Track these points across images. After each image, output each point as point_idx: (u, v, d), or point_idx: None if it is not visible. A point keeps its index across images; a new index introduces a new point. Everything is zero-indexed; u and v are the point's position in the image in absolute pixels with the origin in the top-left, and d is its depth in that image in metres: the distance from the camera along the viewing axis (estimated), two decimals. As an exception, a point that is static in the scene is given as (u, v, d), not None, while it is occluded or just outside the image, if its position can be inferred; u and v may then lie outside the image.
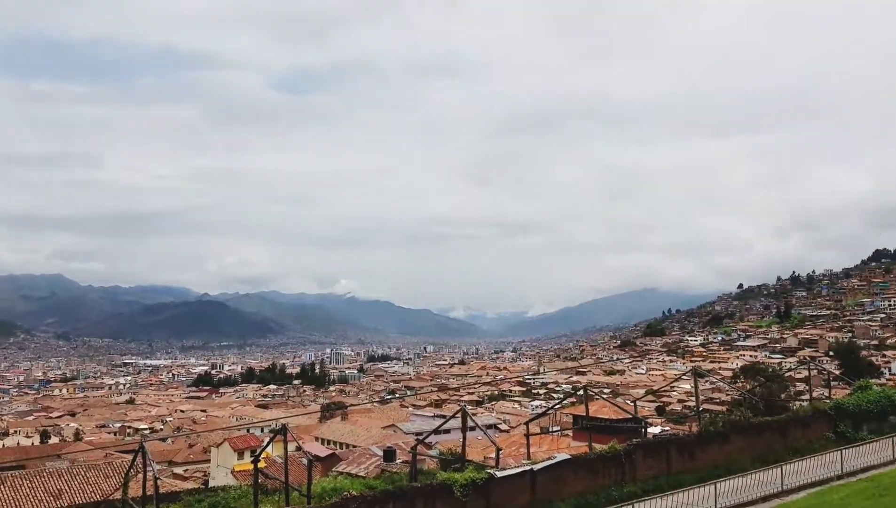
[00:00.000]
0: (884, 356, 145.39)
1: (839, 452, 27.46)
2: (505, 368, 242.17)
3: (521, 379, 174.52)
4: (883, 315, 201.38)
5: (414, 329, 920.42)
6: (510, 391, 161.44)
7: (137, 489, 21.76)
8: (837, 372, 67.51)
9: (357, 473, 37.93)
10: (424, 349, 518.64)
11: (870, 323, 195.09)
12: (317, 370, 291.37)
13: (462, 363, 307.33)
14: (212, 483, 48.16)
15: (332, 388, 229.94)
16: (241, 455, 52.01)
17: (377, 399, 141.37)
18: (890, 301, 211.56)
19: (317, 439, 67.17)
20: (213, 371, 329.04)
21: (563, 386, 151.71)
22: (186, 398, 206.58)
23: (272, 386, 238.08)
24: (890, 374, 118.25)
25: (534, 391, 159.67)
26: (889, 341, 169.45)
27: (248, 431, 75.62)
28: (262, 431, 78.93)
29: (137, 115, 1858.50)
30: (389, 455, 42.38)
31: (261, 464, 24.34)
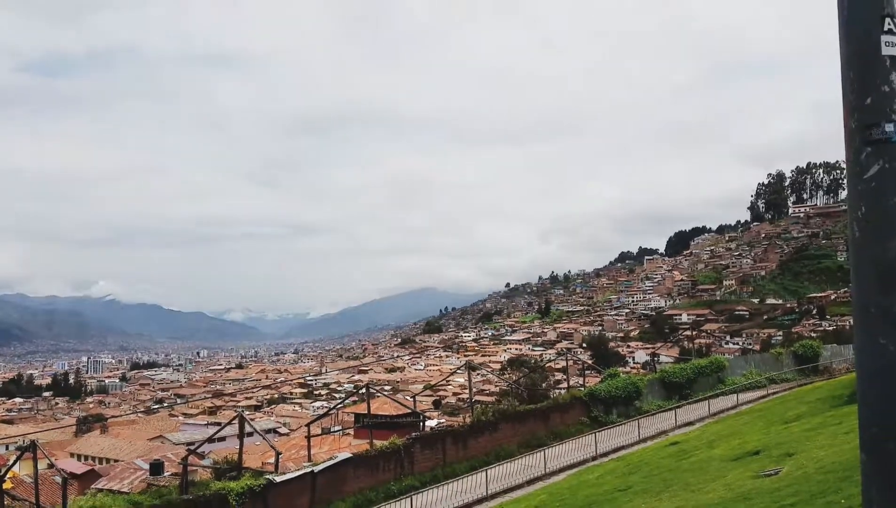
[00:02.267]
0: (629, 346, 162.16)
1: (593, 435, 30.11)
2: (286, 370, 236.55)
3: (302, 381, 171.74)
4: (627, 310, 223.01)
5: (186, 334, 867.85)
6: (291, 393, 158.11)
7: None
8: (590, 362, 74.90)
9: (120, 489, 35.01)
10: (197, 354, 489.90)
11: (616, 317, 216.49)
12: (71, 381, 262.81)
13: (240, 366, 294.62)
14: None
15: (89, 399, 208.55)
16: (-22, 478, 45.50)
17: (142, 410, 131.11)
18: (633, 298, 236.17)
19: (72, 455, 60.99)
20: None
21: (346, 386, 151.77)
22: None
23: (18, 399, 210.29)
24: (634, 363, 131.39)
25: (315, 393, 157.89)
26: (633, 333, 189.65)
27: (-13, 451, 66.28)
28: (6, 448, 69.85)
29: None
30: (157, 467, 39.56)
31: (7, 485, 21.63)
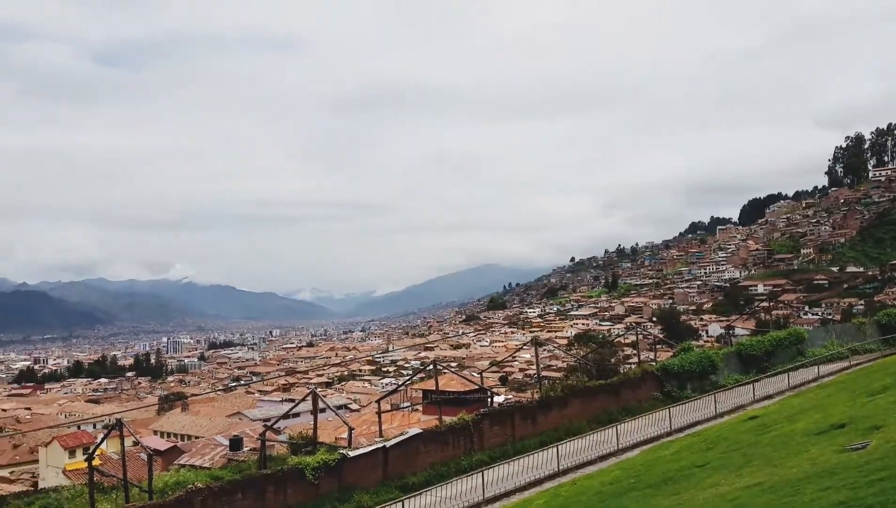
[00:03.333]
0: (701, 320, 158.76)
1: (667, 410, 29.45)
2: (354, 348, 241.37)
3: (370, 358, 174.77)
4: (699, 282, 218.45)
5: (258, 313, 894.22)
6: (360, 370, 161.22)
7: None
8: (661, 336, 73.53)
9: (201, 464, 36.41)
10: (270, 333, 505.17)
11: (688, 290, 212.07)
12: (152, 361, 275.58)
13: (310, 345, 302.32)
14: (42, 485, 44.53)
15: (170, 379, 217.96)
16: (72, 453, 48.28)
17: (220, 388, 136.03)
18: (705, 269, 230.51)
19: (156, 432, 63.75)
20: (37, 366, 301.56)
21: (413, 363, 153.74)
22: (7, 395, 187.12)
23: (103, 380, 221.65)
24: (707, 336, 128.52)
25: (384, 370, 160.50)
26: (705, 306, 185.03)
27: (79, 428, 70.01)
28: (94, 427, 73.79)
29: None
30: (236, 443, 40.86)
31: (95, 462, 22.75)
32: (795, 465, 12.03)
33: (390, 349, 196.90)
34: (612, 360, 45.41)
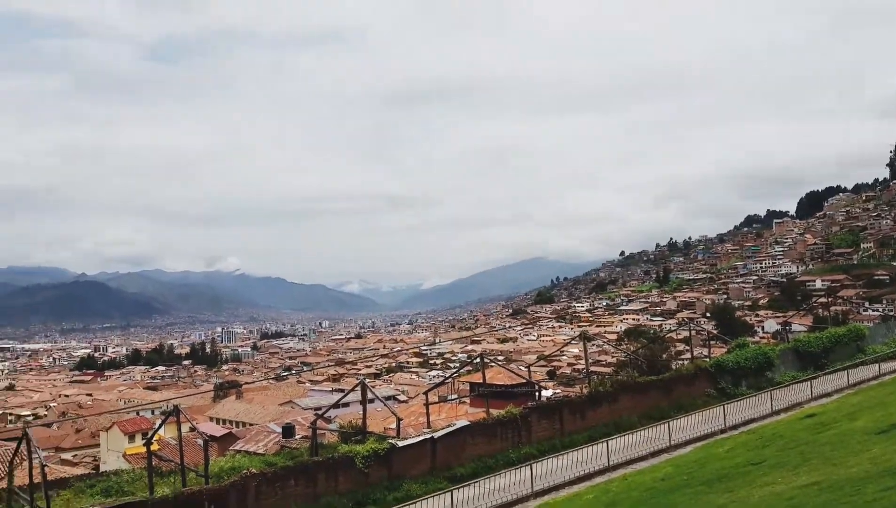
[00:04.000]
0: (757, 315, 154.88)
1: (721, 407, 28.90)
2: (402, 340, 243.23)
3: (417, 350, 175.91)
4: (755, 277, 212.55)
5: (308, 305, 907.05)
6: (407, 362, 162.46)
7: (23, 477, 20.52)
8: (715, 332, 72.07)
9: (255, 451, 37.24)
10: (320, 324, 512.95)
11: (743, 285, 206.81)
12: (208, 350, 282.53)
13: (359, 336, 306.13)
14: (103, 468, 46.06)
15: (224, 367, 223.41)
16: (132, 438, 49.82)
17: (273, 376, 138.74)
18: (761, 264, 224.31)
19: (211, 419, 65.44)
20: (97, 354, 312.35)
21: (459, 355, 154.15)
22: (70, 382, 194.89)
23: (160, 368, 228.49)
24: (763, 332, 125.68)
25: (431, 362, 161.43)
26: (761, 301, 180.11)
27: (137, 414, 72.36)
28: (152, 413, 76.11)
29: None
30: (288, 431, 41.77)
31: (154, 446, 23.48)
32: (855, 464, 11.72)
33: (437, 341, 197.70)
34: (664, 356, 44.60)
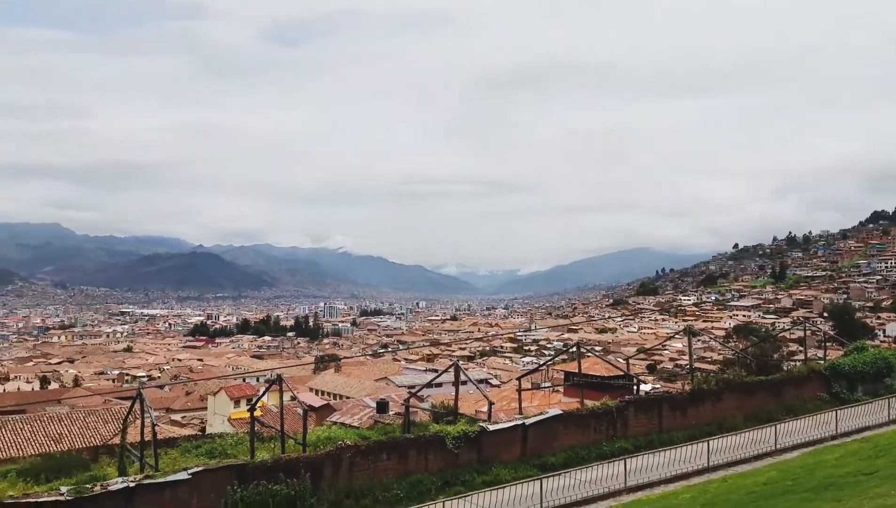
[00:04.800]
0: (878, 318, 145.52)
1: (834, 412, 27.34)
2: (497, 324, 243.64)
3: (512, 336, 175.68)
4: (879, 277, 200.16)
5: (407, 285, 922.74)
6: (501, 347, 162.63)
7: (136, 434, 21.85)
8: (832, 333, 67.84)
9: (351, 423, 38.10)
10: (417, 304, 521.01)
11: (866, 285, 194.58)
12: (311, 323, 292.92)
13: (454, 318, 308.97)
14: (209, 430, 48.54)
15: (325, 341, 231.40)
16: (237, 403, 52.28)
17: (370, 353, 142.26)
18: (887, 263, 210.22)
19: (311, 389, 67.53)
20: (209, 322, 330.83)
21: (555, 343, 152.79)
22: (183, 347, 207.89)
23: (267, 338, 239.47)
24: (884, 336, 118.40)
25: (525, 348, 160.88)
26: (885, 303, 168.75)
27: (244, 380, 75.95)
28: (257, 381, 79.42)
29: (123, 64, 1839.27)
30: (382, 406, 42.48)
31: (257, 413, 24.42)
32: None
33: (533, 328, 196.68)
34: (775, 355, 42.35)
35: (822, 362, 36.04)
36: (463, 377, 27.96)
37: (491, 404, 27.41)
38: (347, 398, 58.62)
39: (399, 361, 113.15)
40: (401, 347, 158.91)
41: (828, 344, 45.73)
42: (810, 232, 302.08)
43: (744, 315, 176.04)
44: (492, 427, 24.82)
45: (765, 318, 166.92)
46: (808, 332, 48.52)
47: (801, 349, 55.20)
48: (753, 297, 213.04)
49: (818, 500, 13.47)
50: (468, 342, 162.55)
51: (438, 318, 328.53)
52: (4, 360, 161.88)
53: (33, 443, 33.57)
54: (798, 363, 39.17)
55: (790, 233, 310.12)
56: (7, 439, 33.71)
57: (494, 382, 77.63)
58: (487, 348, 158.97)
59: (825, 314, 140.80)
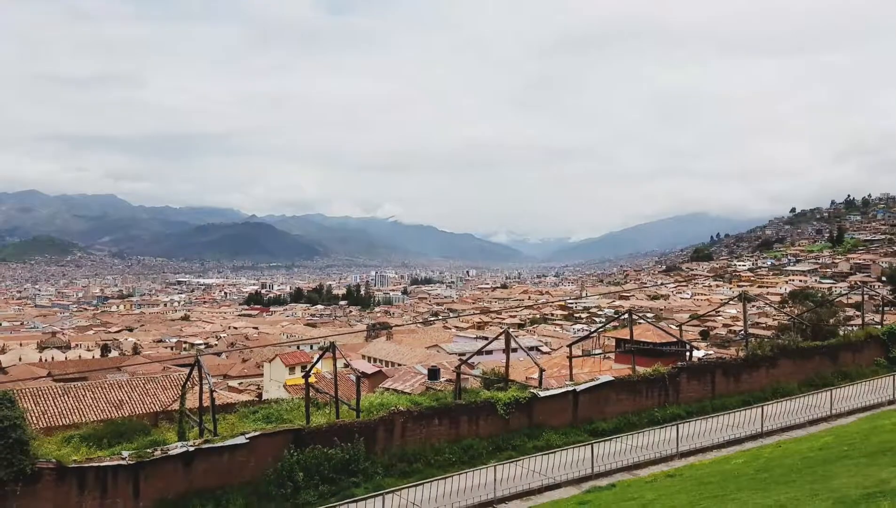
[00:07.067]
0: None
1: (892, 378, 26.83)
2: (547, 292, 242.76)
3: (563, 303, 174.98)
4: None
5: (457, 253, 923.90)
6: (552, 314, 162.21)
7: (194, 400, 22.60)
8: (891, 298, 65.69)
9: (403, 390, 38.88)
10: (467, 272, 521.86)
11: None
12: (362, 292, 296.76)
13: (504, 286, 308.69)
14: (265, 396, 49.82)
15: (377, 309, 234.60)
16: (292, 370, 53.56)
17: (421, 321, 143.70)
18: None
19: (363, 357, 68.76)
20: (264, 291, 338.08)
21: (606, 310, 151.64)
22: (239, 315, 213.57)
23: (320, 306, 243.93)
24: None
25: (576, 315, 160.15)
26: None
27: (298, 348, 77.73)
28: (311, 348, 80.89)
29: (179, 34, 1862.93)
30: (434, 373, 43.22)
31: (311, 379, 25.03)
32: None
33: (584, 295, 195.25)
34: (831, 320, 41.33)
35: (880, 326, 35.14)
36: (513, 345, 28.16)
37: (542, 370, 27.59)
38: (399, 365, 59.57)
39: (449, 329, 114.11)
40: (451, 315, 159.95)
41: (886, 309, 44.47)
42: (870, 195, 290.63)
43: (800, 280, 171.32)
44: (543, 394, 25.03)
45: (821, 283, 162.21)
46: (866, 297, 47.13)
47: (858, 313, 53.77)
48: (810, 261, 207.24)
49: (874, 465, 13.26)
50: (518, 309, 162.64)
51: (488, 286, 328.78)
52: (66, 328, 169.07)
53: (95, 409, 34.64)
54: (855, 328, 38.26)
55: (849, 196, 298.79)
56: (70, 405, 34.91)
57: (545, 349, 77.81)
58: (538, 315, 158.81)
59: (883, 279, 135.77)
